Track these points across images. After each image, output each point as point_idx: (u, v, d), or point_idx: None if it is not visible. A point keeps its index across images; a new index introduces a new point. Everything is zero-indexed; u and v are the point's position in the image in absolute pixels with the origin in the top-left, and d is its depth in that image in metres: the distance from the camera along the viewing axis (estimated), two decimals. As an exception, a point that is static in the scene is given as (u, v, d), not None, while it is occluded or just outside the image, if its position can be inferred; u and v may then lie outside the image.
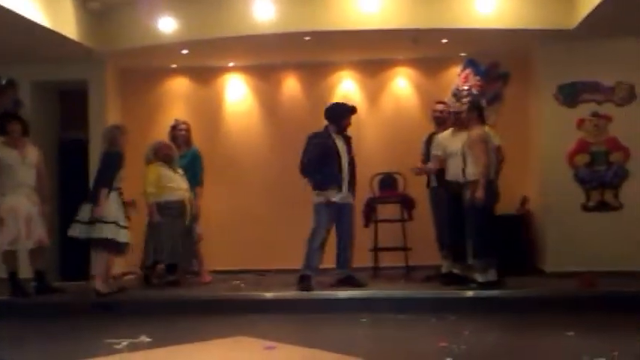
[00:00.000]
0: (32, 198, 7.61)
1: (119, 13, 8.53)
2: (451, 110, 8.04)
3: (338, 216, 7.70)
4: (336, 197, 7.56)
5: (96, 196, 7.22)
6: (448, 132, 7.82)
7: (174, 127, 8.49)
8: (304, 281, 7.54)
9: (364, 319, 6.80)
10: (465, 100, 8.67)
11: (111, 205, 7.24)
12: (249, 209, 9.33)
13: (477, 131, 7.34)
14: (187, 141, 8.45)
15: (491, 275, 7.32)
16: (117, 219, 7.29)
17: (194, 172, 8.27)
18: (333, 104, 7.95)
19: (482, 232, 7.25)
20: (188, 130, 8.48)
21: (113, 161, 7.36)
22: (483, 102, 8.84)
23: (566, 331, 5.97)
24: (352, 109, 7.80)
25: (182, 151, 8.28)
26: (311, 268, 7.62)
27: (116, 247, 7.35)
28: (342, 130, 7.71)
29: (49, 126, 9.51)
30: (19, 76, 9.17)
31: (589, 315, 6.63)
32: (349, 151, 7.73)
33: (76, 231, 7.29)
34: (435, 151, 7.85)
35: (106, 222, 7.19)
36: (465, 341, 5.72)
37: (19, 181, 7.51)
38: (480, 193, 7.12)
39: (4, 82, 9.19)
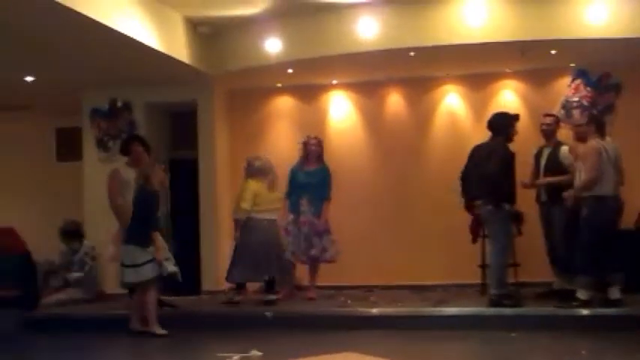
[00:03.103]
0: None
1: (227, 35, 8.80)
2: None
3: None
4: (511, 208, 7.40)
5: (149, 240, 7.10)
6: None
7: (305, 143, 8.51)
8: (508, 299, 7.33)
9: (474, 337, 6.68)
10: (574, 111, 8.46)
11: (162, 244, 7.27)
12: (355, 225, 9.32)
13: (591, 143, 7.13)
14: (319, 156, 8.47)
15: (614, 294, 7.05)
16: (168, 256, 7.32)
17: (323, 187, 8.33)
18: (497, 114, 7.67)
19: (585, 248, 7.02)
20: (318, 145, 8.49)
21: (153, 201, 7.30)
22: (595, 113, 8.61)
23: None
24: (517, 117, 7.60)
25: (313, 167, 8.40)
26: (503, 285, 7.38)
27: (170, 283, 7.37)
28: (510, 139, 7.48)
29: (161, 146, 9.84)
30: (134, 98, 9.58)
31: None
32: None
33: (131, 277, 7.11)
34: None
35: (166, 259, 7.21)
36: (582, 361, 5.53)
37: None
38: (568, 199, 7.15)
39: (120, 104, 9.62)
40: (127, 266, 7.11)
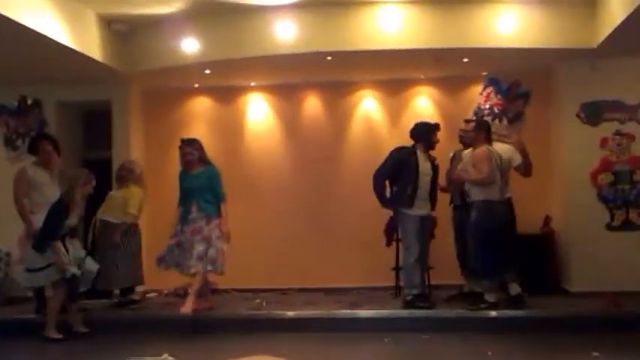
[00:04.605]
0: None
1: (143, 34, 8.64)
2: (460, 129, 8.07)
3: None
4: (412, 211, 7.52)
5: (45, 247, 6.98)
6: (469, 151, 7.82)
7: (179, 149, 7.86)
8: (418, 301, 7.45)
9: (386, 339, 6.78)
10: (486, 119, 8.69)
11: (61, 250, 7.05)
12: (271, 228, 9.35)
13: (482, 149, 7.36)
14: (200, 159, 7.76)
15: (514, 289, 7.31)
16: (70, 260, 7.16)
17: (212, 189, 7.63)
18: (418, 123, 7.85)
19: (479, 253, 7.24)
20: (192, 153, 7.73)
21: (60, 213, 7.11)
22: (506, 121, 8.88)
23: (591, 351, 5.91)
24: (437, 126, 7.79)
25: (197, 169, 7.72)
26: (412, 285, 7.51)
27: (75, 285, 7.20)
28: (431, 147, 7.71)
29: (73, 146, 9.61)
30: (45, 96, 9.31)
31: (614, 335, 6.56)
32: (435, 172, 7.73)
33: (33, 281, 7.13)
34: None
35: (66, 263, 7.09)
36: (489, 361, 5.68)
37: (47, 199, 7.60)
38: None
39: (30, 102, 9.33)
40: (27, 270, 7.06)
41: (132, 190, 8.14)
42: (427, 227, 7.72)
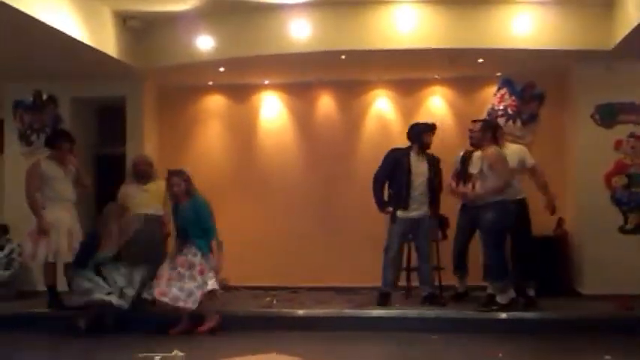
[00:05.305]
0: (72, 212, 7.76)
1: (158, 31, 8.67)
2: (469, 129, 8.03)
3: (413, 232, 7.74)
4: (402, 213, 7.60)
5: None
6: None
7: (166, 180, 7.35)
8: (380, 298, 7.66)
9: (396, 338, 6.77)
10: (500, 120, 8.65)
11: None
12: (283, 226, 9.36)
13: (492, 150, 7.24)
14: (187, 191, 7.23)
15: (510, 294, 7.26)
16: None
17: (199, 223, 7.14)
18: (413, 124, 7.89)
19: (492, 253, 7.18)
20: (179, 184, 7.21)
21: (89, 244, 7.26)
22: (520, 122, 8.85)
23: (603, 354, 5.88)
24: (431, 127, 7.77)
25: (184, 202, 7.21)
26: (386, 283, 7.71)
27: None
28: (423, 147, 7.70)
29: (87, 141, 9.66)
30: (59, 92, 9.35)
31: (626, 338, 6.52)
32: (433, 172, 7.73)
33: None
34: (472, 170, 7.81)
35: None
36: (499, 363, 5.66)
37: (60, 194, 7.65)
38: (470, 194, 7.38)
39: (45, 97, 9.37)
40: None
41: (159, 182, 7.93)
42: (423, 228, 7.71)
